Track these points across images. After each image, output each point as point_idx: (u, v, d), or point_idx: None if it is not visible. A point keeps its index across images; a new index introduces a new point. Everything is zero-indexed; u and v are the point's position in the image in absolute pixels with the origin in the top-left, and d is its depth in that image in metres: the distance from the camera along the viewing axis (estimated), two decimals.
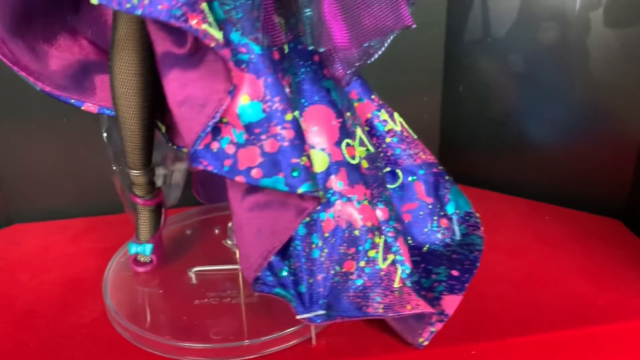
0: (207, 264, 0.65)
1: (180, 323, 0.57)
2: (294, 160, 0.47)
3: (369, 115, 0.69)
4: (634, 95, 0.69)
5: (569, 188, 0.78)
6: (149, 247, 0.64)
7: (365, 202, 0.57)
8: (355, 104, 0.69)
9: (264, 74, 0.46)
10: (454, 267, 0.63)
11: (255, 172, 0.47)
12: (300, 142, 0.48)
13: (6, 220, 0.83)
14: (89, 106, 0.60)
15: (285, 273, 0.53)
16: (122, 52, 0.54)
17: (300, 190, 0.47)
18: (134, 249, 0.64)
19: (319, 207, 0.54)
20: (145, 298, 0.62)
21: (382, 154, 0.69)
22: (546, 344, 0.56)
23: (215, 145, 0.47)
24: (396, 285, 0.56)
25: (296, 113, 0.48)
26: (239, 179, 0.47)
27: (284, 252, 0.54)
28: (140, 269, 0.65)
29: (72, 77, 0.58)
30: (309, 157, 0.48)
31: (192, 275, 0.63)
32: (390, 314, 0.54)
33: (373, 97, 0.69)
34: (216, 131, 0.47)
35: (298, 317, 0.53)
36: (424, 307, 0.55)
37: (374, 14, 0.47)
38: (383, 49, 0.54)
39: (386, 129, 0.69)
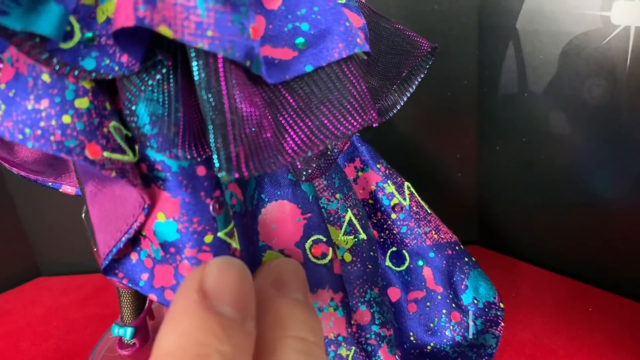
0: None
1: None
2: None
3: (373, 187, 0.62)
4: None
5: (621, 271, 0.65)
6: (129, 331, 0.61)
7: (331, 309, 0.50)
8: (360, 174, 0.62)
9: (180, 194, 0.40)
10: None
11: (167, 294, 0.42)
12: None
13: (34, 272, 0.86)
14: (67, 188, 0.58)
15: None
16: None
17: None
18: (116, 331, 0.62)
19: None
20: None
21: (385, 232, 0.61)
22: None
23: (134, 256, 0.43)
24: None
25: (221, 233, 0.42)
26: (152, 297, 0.42)
27: None
28: (124, 352, 0.62)
29: (45, 162, 0.56)
30: None
31: None
32: None
33: (379, 166, 0.61)
34: (136, 242, 0.43)
35: None
36: None
37: (320, 118, 0.40)
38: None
39: (392, 203, 0.61)
